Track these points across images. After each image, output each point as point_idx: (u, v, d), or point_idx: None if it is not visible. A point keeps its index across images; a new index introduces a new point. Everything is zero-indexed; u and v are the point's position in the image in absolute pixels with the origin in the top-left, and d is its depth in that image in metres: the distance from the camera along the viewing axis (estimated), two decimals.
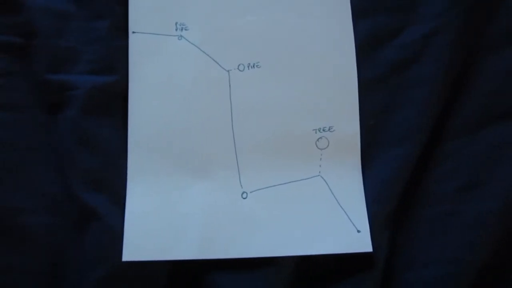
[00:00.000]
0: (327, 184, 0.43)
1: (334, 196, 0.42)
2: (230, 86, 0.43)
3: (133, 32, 0.44)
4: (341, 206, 0.42)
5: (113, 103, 0.43)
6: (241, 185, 0.42)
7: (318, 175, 0.43)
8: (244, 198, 0.42)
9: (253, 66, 0.44)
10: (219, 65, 0.44)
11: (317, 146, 0.43)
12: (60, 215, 0.41)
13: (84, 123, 0.42)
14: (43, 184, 0.42)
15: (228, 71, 0.44)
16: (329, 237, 0.41)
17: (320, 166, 0.43)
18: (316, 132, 0.43)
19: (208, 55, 0.44)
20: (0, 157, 0.41)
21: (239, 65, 0.44)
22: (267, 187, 0.42)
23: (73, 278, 0.41)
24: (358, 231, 0.42)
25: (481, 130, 0.43)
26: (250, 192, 0.42)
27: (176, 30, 0.44)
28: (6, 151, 0.41)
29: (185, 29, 0.44)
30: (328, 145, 0.43)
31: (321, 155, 0.43)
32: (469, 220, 0.42)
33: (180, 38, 0.44)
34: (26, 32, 0.43)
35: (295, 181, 0.43)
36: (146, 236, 0.41)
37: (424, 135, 0.43)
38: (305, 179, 0.43)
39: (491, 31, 0.45)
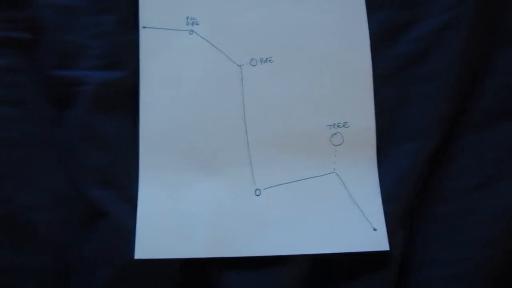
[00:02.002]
0: (342, 181, 0.42)
1: (349, 193, 0.42)
2: (242, 81, 0.43)
3: (144, 27, 0.43)
4: (356, 204, 0.42)
5: (120, 99, 0.42)
6: (254, 182, 0.42)
7: (333, 172, 0.42)
8: (258, 195, 0.42)
9: (266, 60, 0.43)
10: (231, 60, 0.43)
11: (331, 142, 0.43)
12: (67, 213, 0.41)
13: (91, 120, 0.42)
14: (50, 181, 0.41)
15: (240, 66, 0.43)
16: (344, 235, 0.41)
17: (334, 162, 0.42)
18: (330, 128, 0.43)
19: (219, 49, 0.43)
20: (6, 154, 0.41)
21: (251, 60, 0.43)
22: (280, 184, 0.42)
23: (80, 276, 0.40)
24: (374, 229, 0.41)
25: (495, 125, 0.43)
26: (264, 189, 0.42)
27: (187, 24, 0.43)
28: (12, 147, 0.41)
29: (196, 24, 0.43)
30: (343, 141, 0.43)
31: (336, 151, 0.43)
32: (485, 217, 0.41)
33: (191, 32, 0.43)
34: (33, 28, 0.43)
35: (309, 178, 0.42)
36: (158, 234, 0.40)
37: (438, 131, 0.42)
38: (320, 176, 0.42)
39: (505, 24, 0.44)
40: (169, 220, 0.41)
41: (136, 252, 0.39)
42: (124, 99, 0.42)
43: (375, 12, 0.44)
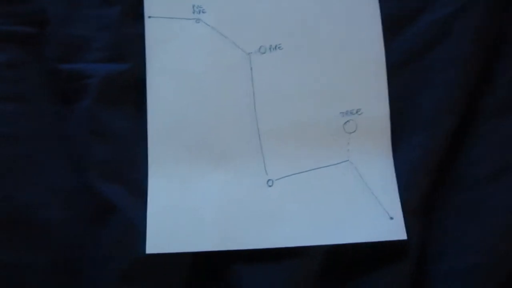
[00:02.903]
0: (356, 169, 0.41)
1: (365, 182, 0.41)
2: (251, 69, 0.42)
3: (149, 17, 0.43)
4: (372, 192, 0.41)
5: (127, 91, 0.42)
6: (266, 173, 0.41)
7: (347, 160, 0.41)
8: (270, 186, 0.41)
9: (275, 48, 0.42)
10: (239, 48, 0.42)
11: (344, 130, 0.42)
12: (76, 209, 0.40)
13: (98, 113, 0.41)
14: (58, 177, 0.41)
15: (248, 54, 0.42)
16: (360, 224, 0.40)
17: (348, 150, 0.42)
18: (343, 116, 0.42)
19: (227, 37, 0.42)
20: (12, 150, 0.40)
21: (260, 47, 0.42)
22: (293, 174, 0.41)
23: (92, 272, 0.40)
24: (391, 218, 0.40)
25: (510, 113, 0.42)
26: (276, 180, 0.41)
27: (193, 13, 0.43)
28: (19, 143, 0.40)
29: (203, 12, 0.43)
30: (356, 128, 0.42)
31: (349, 139, 0.42)
32: (504, 206, 0.40)
33: (197, 21, 0.43)
34: (37, 21, 0.42)
35: (323, 167, 0.41)
36: (169, 228, 0.40)
37: (454, 118, 0.42)
38: (334, 164, 0.41)
39: None
40: (179, 214, 0.40)
41: (148, 247, 0.39)
42: (131, 92, 0.42)
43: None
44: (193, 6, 0.43)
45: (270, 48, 0.42)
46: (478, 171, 0.41)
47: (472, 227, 0.40)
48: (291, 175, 0.41)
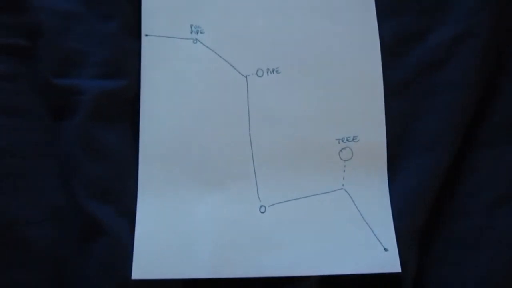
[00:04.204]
0: (351, 198, 0.41)
1: (359, 211, 0.40)
2: (248, 92, 0.42)
3: (146, 35, 0.42)
4: (366, 222, 0.40)
5: (122, 109, 0.41)
6: (259, 198, 0.40)
7: (342, 188, 0.41)
8: (262, 212, 0.40)
9: (272, 71, 0.42)
10: (236, 70, 0.42)
11: (340, 157, 0.41)
12: (64, 227, 0.40)
13: (91, 130, 0.40)
14: (47, 194, 0.40)
15: (245, 76, 0.42)
16: (353, 255, 0.39)
17: (343, 178, 0.41)
18: (339, 142, 0.42)
19: (224, 59, 0.42)
20: (1, 164, 0.40)
21: (257, 70, 0.42)
22: (287, 201, 0.40)
23: None
24: (385, 250, 0.39)
25: None
26: (269, 206, 0.40)
27: (191, 33, 0.42)
28: (8, 157, 0.40)
29: (201, 32, 0.42)
30: (352, 156, 0.41)
31: (345, 166, 0.41)
32: (505, 236, 0.40)
33: (195, 41, 0.42)
34: (32, 33, 0.42)
35: (316, 195, 0.41)
36: (158, 253, 0.39)
37: (454, 144, 0.41)
38: (328, 192, 0.41)
39: None
40: (169, 238, 0.39)
41: (134, 272, 0.38)
42: (125, 109, 0.41)
43: (389, 20, 0.43)
44: (191, 26, 0.42)
45: (267, 72, 0.42)
46: (478, 199, 0.41)
47: (472, 257, 0.40)
48: (284, 201, 0.40)
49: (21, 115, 0.41)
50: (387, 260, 0.39)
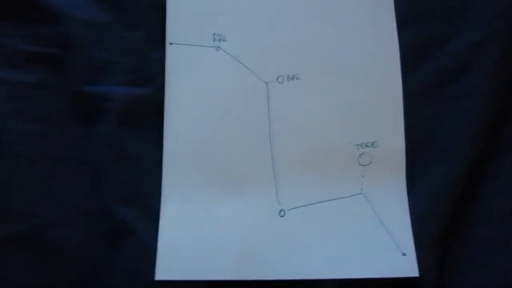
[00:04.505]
0: (369, 203, 0.41)
1: (378, 216, 0.40)
2: (268, 99, 0.42)
3: (171, 43, 0.43)
4: (385, 227, 0.40)
5: (148, 116, 0.42)
6: (278, 203, 0.41)
7: (360, 193, 0.41)
8: (282, 216, 0.41)
9: (293, 78, 0.43)
10: (258, 77, 0.43)
11: (359, 162, 0.42)
12: (92, 230, 0.41)
13: (119, 136, 0.42)
14: (76, 198, 0.41)
15: (266, 83, 0.43)
16: (372, 260, 0.39)
17: (362, 183, 0.41)
18: (358, 148, 0.42)
19: (246, 66, 0.43)
20: (32, 169, 0.41)
21: (278, 77, 0.43)
22: (306, 205, 0.41)
23: None
24: (403, 254, 0.39)
25: None
26: (288, 210, 0.41)
27: (214, 41, 0.43)
28: (39, 162, 0.41)
29: (223, 40, 0.43)
30: (371, 161, 0.42)
31: (364, 171, 0.41)
32: None
33: (217, 49, 0.43)
34: (64, 43, 0.43)
35: (335, 199, 0.41)
36: (180, 254, 0.40)
37: (474, 149, 0.41)
38: (347, 197, 0.41)
39: None
40: (192, 240, 0.40)
41: (157, 273, 0.39)
42: (151, 116, 0.42)
43: (409, 26, 0.43)
44: (214, 34, 0.43)
45: (287, 78, 0.42)
46: (497, 204, 0.41)
47: (492, 262, 0.40)
48: (303, 206, 0.41)
49: (52, 121, 0.42)
50: (405, 264, 0.39)
